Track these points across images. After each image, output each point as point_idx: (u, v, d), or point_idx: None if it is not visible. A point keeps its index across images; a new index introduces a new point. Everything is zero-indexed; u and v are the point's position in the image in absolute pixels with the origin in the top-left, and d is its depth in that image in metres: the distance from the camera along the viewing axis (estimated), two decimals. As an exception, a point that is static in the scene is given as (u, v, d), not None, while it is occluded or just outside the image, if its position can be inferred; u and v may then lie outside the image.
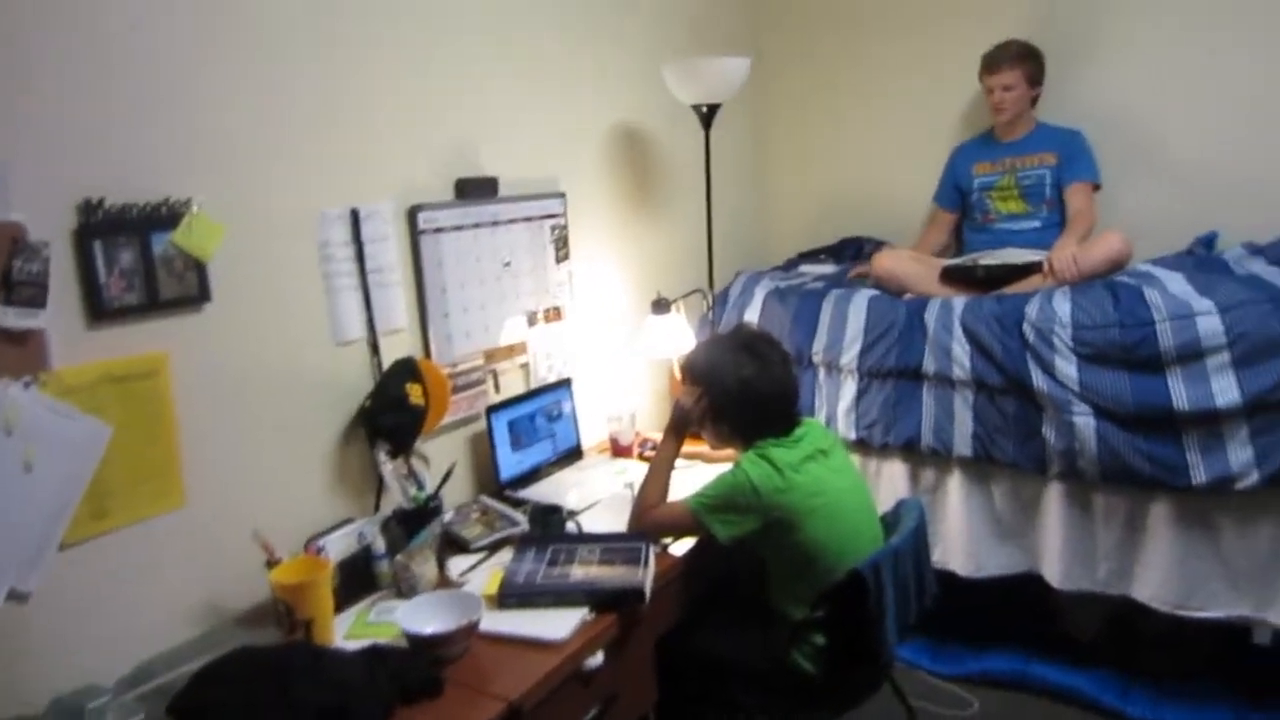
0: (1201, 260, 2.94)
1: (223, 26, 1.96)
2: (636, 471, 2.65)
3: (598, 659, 1.95)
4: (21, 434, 1.63)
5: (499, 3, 2.69)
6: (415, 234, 2.43)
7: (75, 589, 1.76)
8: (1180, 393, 2.41)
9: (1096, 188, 3.28)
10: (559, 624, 1.92)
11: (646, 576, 2.05)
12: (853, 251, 3.84)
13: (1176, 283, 2.64)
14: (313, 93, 2.17)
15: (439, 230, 2.49)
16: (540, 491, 2.64)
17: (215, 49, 1.95)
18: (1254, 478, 2.36)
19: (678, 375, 3.02)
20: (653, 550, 2.18)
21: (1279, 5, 3.06)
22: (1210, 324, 2.39)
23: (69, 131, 1.72)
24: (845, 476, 2.29)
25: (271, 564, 1.94)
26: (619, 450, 2.97)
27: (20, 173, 1.63)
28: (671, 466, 2.41)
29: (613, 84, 3.19)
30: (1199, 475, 2.41)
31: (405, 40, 2.40)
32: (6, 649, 1.66)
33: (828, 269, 3.68)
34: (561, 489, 2.65)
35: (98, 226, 1.75)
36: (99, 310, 1.76)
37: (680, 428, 2.43)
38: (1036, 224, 3.33)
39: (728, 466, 2.23)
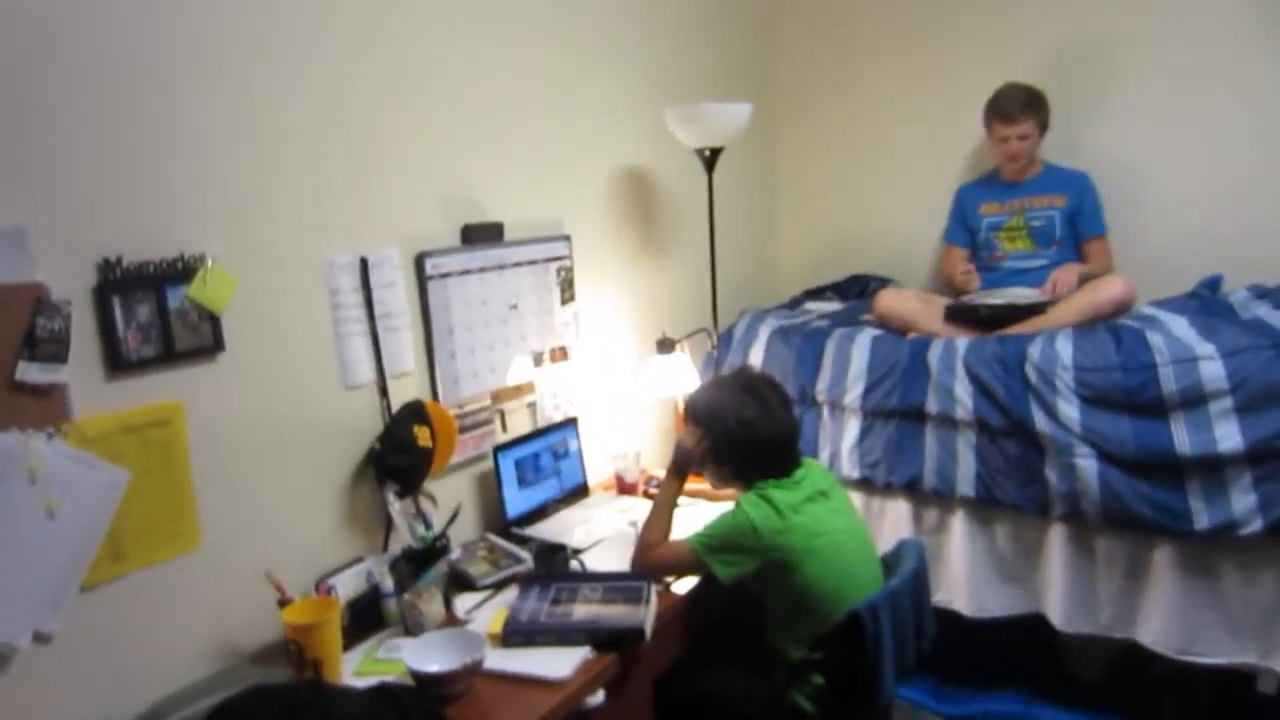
0: (1206, 304, 2.93)
1: (229, 83, 2.02)
2: (641, 509, 2.68)
3: (598, 698, 1.97)
4: (44, 483, 1.70)
5: (502, 50, 2.74)
6: (423, 279, 2.49)
7: (94, 629, 1.82)
8: (1183, 437, 2.41)
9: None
10: (561, 663, 1.95)
11: (648, 616, 2.08)
12: (857, 289, 3.87)
13: (1180, 326, 2.66)
14: (321, 144, 2.23)
15: (446, 275, 2.55)
16: (546, 529, 2.67)
17: (223, 107, 2.01)
18: (1257, 525, 2.34)
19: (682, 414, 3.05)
20: (654, 589, 2.21)
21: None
22: (1213, 369, 2.39)
23: (86, 193, 1.78)
24: (845, 518, 2.32)
25: (283, 603, 1.98)
26: (624, 488, 3.01)
27: (41, 235, 1.71)
28: (674, 506, 2.44)
29: (617, 127, 3.24)
30: (1201, 521, 2.40)
31: (411, 91, 2.45)
32: (29, 687, 1.72)
33: (833, 306, 3.71)
34: (567, 527, 2.69)
35: (116, 283, 1.82)
36: (118, 363, 1.83)
37: (682, 468, 2.46)
38: (1044, 262, 3.34)
39: (729, 506, 2.27)
